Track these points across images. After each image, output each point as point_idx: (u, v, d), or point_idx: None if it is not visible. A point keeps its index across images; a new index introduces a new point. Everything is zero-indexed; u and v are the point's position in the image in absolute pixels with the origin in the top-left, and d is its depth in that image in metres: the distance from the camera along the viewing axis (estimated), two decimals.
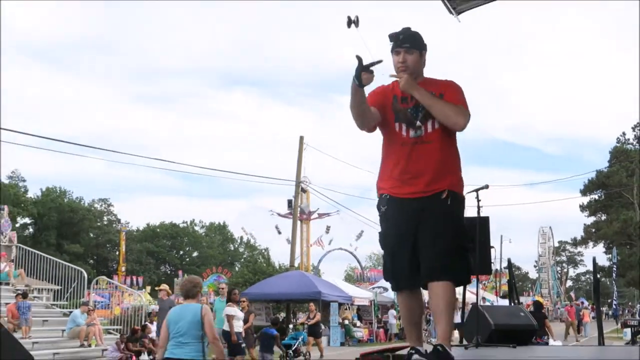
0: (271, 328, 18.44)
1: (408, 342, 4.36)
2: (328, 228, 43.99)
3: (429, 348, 4.13)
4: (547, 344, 17.14)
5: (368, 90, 4.13)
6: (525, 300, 41.49)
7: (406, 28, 4.19)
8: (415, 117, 4.14)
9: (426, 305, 4.82)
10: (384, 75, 4.21)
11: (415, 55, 4.15)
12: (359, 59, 3.86)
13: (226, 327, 14.89)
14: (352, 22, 3.84)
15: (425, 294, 4.26)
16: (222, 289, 17.72)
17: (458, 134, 4.21)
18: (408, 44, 4.14)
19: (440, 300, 3.96)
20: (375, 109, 4.16)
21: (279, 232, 46.18)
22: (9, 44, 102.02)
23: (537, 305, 21.06)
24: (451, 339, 4.15)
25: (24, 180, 72.45)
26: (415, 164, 4.09)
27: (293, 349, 21.34)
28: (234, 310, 15.39)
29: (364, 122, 4.15)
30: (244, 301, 17.16)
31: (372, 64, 3.90)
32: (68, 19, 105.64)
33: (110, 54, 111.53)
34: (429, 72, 4.34)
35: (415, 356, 4.02)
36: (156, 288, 21.74)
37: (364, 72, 3.88)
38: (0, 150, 33.00)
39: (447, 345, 3.95)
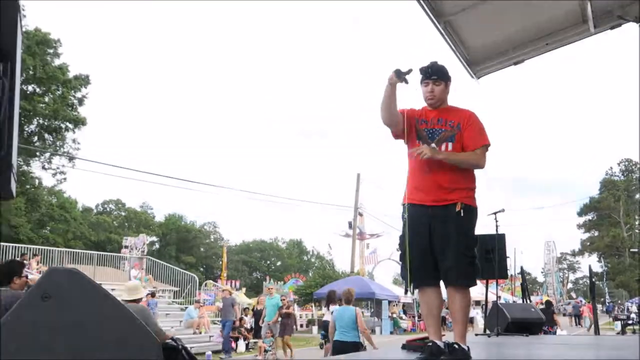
0: None
1: (428, 335, 3.85)
2: (375, 249, 43.36)
3: (450, 338, 3.71)
4: (555, 333, 16.75)
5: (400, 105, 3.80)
6: (535, 299, 40.37)
7: (434, 62, 3.83)
8: (431, 138, 3.74)
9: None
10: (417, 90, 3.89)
11: (441, 86, 3.79)
12: (399, 71, 3.55)
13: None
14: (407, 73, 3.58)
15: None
16: (270, 289, 17.41)
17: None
18: (436, 76, 3.79)
19: (456, 305, 3.61)
20: (400, 114, 3.76)
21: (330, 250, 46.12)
22: (147, 110, 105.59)
23: (548, 303, 20.70)
24: (466, 334, 3.70)
25: (152, 209, 74.07)
26: (429, 179, 3.68)
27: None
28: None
29: (389, 117, 3.75)
30: (284, 298, 16.89)
31: (407, 72, 3.57)
32: (182, 92, 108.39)
33: (212, 111, 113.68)
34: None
35: (432, 349, 3.58)
36: (222, 289, 21.52)
37: (396, 75, 3.56)
38: None
39: (462, 342, 3.56)
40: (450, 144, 3.73)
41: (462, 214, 3.63)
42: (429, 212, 3.68)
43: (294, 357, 15.44)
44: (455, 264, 3.58)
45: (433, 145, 3.74)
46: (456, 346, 3.54)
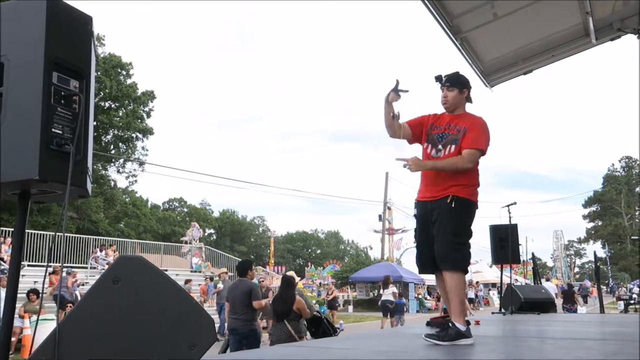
0: (400, 299, 16.34)
1: (448, 314, 3.70)
2: (402, 237, 42.96)
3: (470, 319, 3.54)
4: (575, 310, 16.65)
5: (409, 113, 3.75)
6: (545, 282, 39.56)
7: (453, 72, 3.76)
8: (439, 141, 3.65)
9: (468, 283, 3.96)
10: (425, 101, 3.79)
11: (455, 92, 3.66)
12: (397, 82, 3.51)
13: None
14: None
15: (467, 276, 3.69)
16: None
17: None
18: (449, 82, 3.67)
19: (447, 286, 3.48)
20: (407, 126, 3.73)
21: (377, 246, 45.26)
22: (204, 119, 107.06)
23: (569, 285, 21.03)
24: (465, 313, 3.54)
25: (209, 205, 74.81)
26: (429, 178, 3.63)
27: None
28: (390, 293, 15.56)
29: (392, 132, 3.68)
30: (262, 280, 16.38)
31: (402, 90, 3.52)
32: (234, 104, 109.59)
33: (259, 121, 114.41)
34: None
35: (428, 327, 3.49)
36: (220, 272, 20.93)
37: (393, 92, 3.52)
38: None
39: (457, 320, 3.43)
40: (453, 146, 3.62)
41: (453, 205, 3.50)
42: (428, 206, 3.62)
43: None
44: (442, 248, 3.48)
45: (417, 156, 3.67)
46: (450, 324, 3.42)
